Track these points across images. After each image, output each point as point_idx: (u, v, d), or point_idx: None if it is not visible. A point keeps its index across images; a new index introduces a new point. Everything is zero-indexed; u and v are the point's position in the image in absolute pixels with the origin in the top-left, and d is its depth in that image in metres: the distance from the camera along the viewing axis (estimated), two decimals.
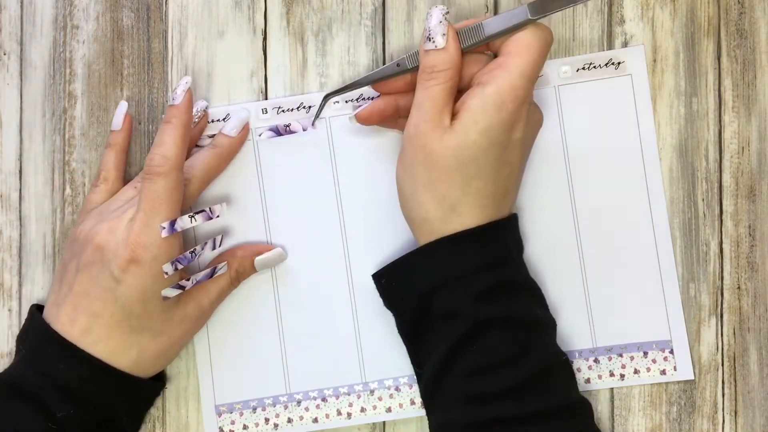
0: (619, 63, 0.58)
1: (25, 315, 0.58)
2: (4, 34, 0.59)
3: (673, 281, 0.57)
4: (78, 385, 0.51)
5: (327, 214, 0.58)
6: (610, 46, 0.58)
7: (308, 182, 0.58)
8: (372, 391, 0.57)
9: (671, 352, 0.57)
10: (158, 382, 0.56)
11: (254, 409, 0.57)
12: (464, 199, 0.51)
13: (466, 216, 0.51)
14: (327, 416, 0.57)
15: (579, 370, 0.57)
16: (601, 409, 0.58)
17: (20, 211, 0.59)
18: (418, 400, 0.57)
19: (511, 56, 0.51)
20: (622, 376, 0.57)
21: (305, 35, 0.59)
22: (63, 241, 0.58)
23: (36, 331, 0.53)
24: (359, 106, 0.56)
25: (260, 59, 0.59)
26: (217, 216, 0.55)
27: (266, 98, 0.58)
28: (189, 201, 0.55)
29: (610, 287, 0.57)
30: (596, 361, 0.57)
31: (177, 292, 0.53)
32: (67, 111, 0.59)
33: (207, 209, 0.54)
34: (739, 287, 0.58)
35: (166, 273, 0.52)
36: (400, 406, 0.57)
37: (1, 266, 0.59)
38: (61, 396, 0.51)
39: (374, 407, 0.57)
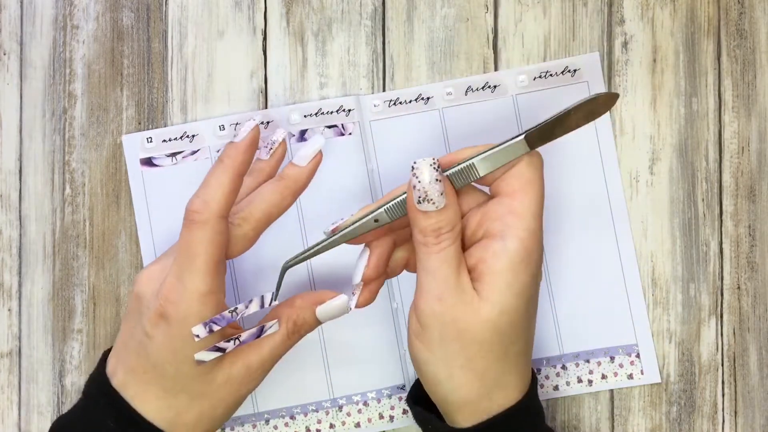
0: (575, 70, 0.57)
1: (24, 314, 0.58)
2: (4, 34, 0.59)
3: (636, 284, 0.57)
4: None
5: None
6: (610, 46, 0.58)
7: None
8: (340, 407, 0.57)
9: (638, 356, 0.57)
10: None
11: (222, 430, 0.57)
12: (506, 369, 0.46)
13: (509, 388, 0.47)
14: None
15: (548, 377, 0.57)
16: (601, 409, 0.58)
17: (20, 211, 0.59)
18: (387, 413, 0.57)
19: (517, 197, 0.46)
20: (590, 381, 0.57)
21: (305, 35, 0.59)
22: (63, 241, 0.58)
23: (96, 378, 0.49)
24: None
25: (260, 59, 0.59)
26: (270, 305, 0.48)
27: (266, 98, 0.58)
28: (244, 244, 0.48)
29: (575, 293, 0.57)
30: (564, 368, 0.57)
31: (214, 355, 0.46)
32: (67, 111, 0.59)
33: (256, 299, 0.48)
34: (739, 287, 0.58)
35: (197, 336, 0.45)
36: (369, 420, 0.57)
37: (1, 266, 0.59)
38: None
39: (343, 423, 0.57)
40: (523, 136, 0.46)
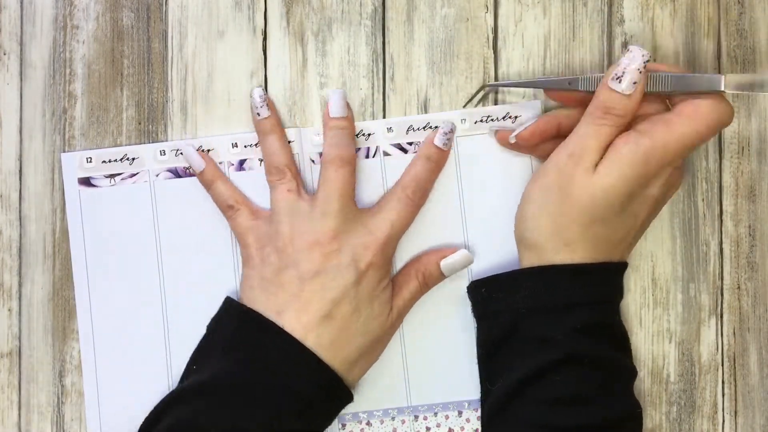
0: (515, 117, 0.57)
1: (24, 314, 0.58)
2: (4, 34, 0.59)
3: None
4: (314, 395, 0.52)
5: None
6: (610, 46, 0.58)
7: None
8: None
9: None
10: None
11: None
12: (582, 238, 0.51)
13: (576, 255, 0.51)
14: None
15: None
16: None
17: (20, 211, 0.59)
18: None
19: (681, 118, 0.50)
20: None
21: (305, 35, 0.59)
22: (63, 240, 0.58)
23: (264, 335, 0.53)
24: (498, 127, 0.57)
25: (260, 59, 0.59)
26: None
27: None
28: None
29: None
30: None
31: None
32: (67, 111, 0.59)
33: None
34: (739, 287, 0.58)
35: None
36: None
37: (1, 266, 0.59)
38: (298, 405, 0.51)
39: None
40: (723, 75, 0.50)
